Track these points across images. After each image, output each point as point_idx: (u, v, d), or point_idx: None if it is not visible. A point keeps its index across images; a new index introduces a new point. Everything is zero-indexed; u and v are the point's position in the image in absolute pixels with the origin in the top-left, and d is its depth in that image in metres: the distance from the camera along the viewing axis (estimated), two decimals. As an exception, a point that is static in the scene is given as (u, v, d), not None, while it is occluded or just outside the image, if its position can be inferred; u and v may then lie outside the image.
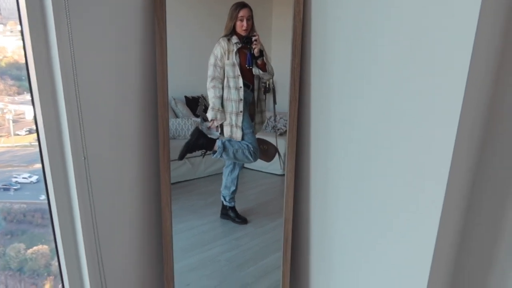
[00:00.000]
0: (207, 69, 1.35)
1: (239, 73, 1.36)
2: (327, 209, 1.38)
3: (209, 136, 1.43)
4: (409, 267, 1.10)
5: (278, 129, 1.56)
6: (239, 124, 1.40)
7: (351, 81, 1.20)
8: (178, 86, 1.35)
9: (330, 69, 1.27)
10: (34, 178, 1.18)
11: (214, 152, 1.44)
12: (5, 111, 1.16)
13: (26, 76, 1.10)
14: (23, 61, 1.09)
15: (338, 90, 1.25)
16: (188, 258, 1.47)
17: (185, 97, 1.43)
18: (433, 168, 0.98)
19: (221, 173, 1.51)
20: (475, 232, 1.11)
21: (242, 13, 1.33)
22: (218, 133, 1.43)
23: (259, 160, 1.52)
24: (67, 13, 1.02)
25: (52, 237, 1.13)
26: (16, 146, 1.15)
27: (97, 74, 1.13)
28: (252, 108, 1.45)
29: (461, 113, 0.90)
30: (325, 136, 1.34)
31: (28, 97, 1.10)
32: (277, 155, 1.55)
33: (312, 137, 1.41)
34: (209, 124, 1.40)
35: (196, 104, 1.44)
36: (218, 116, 1.38)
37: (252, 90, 1.42)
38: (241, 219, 1.57)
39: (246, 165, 1.52)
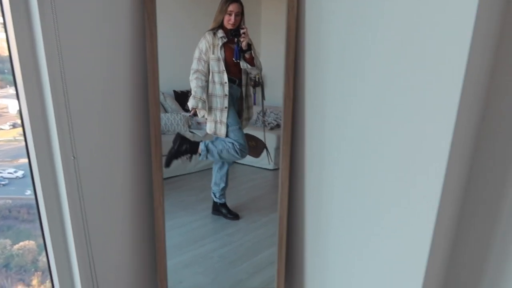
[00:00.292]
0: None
1: (224, 68, 1.34)
2: (321, 206, 1.38)
3: (192, 140, 1.42)
4: (403, 264, 1.09)
5: (268, 123, 1.56)
6: (224, 120, 1.39)
7: (345, 78, 1.19)
8: (167, 80, 1.33)
9: (324, 65, 1.26)
10: (20, 173, 1.14)
11: (200, 154, 1.42)
12: (-13, 105, 1.12)
13: (10, 69, 1.07)
14: (6, 54, 1.06)
15: (333, 87, 1.24)
16: (181, 255, 1.44)
17: (174, 91, 1.41)
18: (428, 165, 0.96)
19: (212, 168, 1.50)
20: (470, 228, 1.11)
21: (232, 7, 1.32)
22: (204, 131, 1.41)
23: (248, 156, 1.51)
24: (52, 3, 0.99)
25: (39, 233, 1.09)
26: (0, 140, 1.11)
27: (85, 68, 1.11)
28: (240, 104, 1.43)
29: (458, 109, 0.87)
30: (320, 133, 1.33)
31: (11, 90, 1.06)
32: (265, 151, 1.54)
33: (306, 135, 1.39)
34: (191, 113, 1.37)
35: (185, 99, 1.42)
36: (200, 105, 1.35)
37: (239, 85, 1.41)
38: (233, 215, 1.55)
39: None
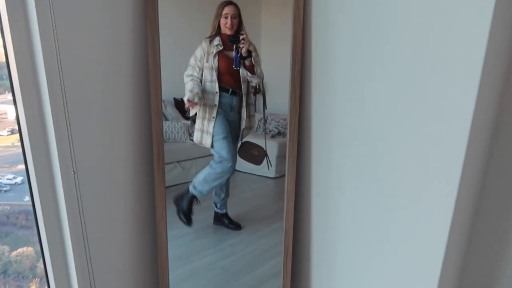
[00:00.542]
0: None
1: (216, 77, 1.32)
2: (328, 217, 1.34)
3: (185, 191, 1.40)
4: (415, 275, 1.05)
5: (270, 131, 1.54)
6: (210, 130, 1.36)
7: (354, 86, 1.15)
8: (167, 88, 1.32)
9: (332, 75, 1.22)
10: (18, 180, 1.12)
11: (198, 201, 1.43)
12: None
13: (7, 75, 1.05)
14: (3, 59, 1.04)
15: (342, 96, 1.20)
16: (182, 267, 1.40)
17: (174, 99, 1.40)
18: (443, 173, 0.93)
19: (213, 177, 1.47)
20: (483, 232, 1.06)
21: (227, 10, 1.29)
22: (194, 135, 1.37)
23: (249, 164, 1.49)
24: (51, 6, 0.98)
25: (37, 239, 1.06)
26: (-2, 146, 1.09)
27: (85, 75, 1.10)
28: (239, 113, 1.40)
29: (474, 112, 0.85)
30: (327, 144, 1.30)
31: (10, 96, 1.04)
32: (265, 159, 1.52)
33: (313, 145, 1.36)
34: (186, 105, 1.33)
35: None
36: (196, 99, 1.32)
37: (236, 94, 1.37)
38: (234, 225, 1.52)
39: (237, 167, 1.48)
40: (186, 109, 1.35)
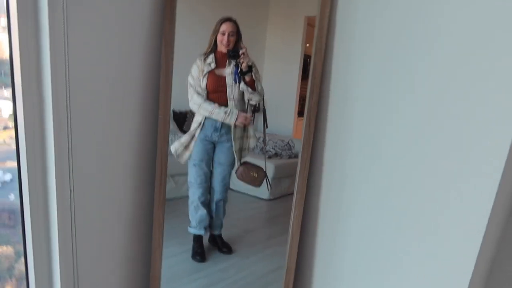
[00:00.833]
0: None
1: (205, 97, 1.30)
2: (332, 259, 1.28)
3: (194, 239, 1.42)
4: None
5: (266, 151, 1.52)
6: (190, 147, 1.33)
7: (372, 130, 1.12)
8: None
9: (352, 108, 1.18)
10: (7, 177, 1.03)
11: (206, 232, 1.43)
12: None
13: (8, 71, 1.01)
14: (4, 56, 1.00)
15: (358, 138, 1.16)
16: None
17: (173, 111, 1.36)
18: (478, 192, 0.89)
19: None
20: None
21: (225, 27, 1.27)
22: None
23: (246, 184, 1.44)
24: (64, 2, 0.97)
25: (18, 239, 0.95)
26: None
27: (93, 79, 1.06)
28: (226, 134, 1.35)
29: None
30: (339, 188, 1.24)
31: (5, 93, 0.99)
32: (265, 180, 1.48)
33: (323, 184, 1.29)
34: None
35: (183, 119, 1.38)
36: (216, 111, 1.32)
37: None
38: (226, 248, 1.43)
39: (231, 186, 1.43)
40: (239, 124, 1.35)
